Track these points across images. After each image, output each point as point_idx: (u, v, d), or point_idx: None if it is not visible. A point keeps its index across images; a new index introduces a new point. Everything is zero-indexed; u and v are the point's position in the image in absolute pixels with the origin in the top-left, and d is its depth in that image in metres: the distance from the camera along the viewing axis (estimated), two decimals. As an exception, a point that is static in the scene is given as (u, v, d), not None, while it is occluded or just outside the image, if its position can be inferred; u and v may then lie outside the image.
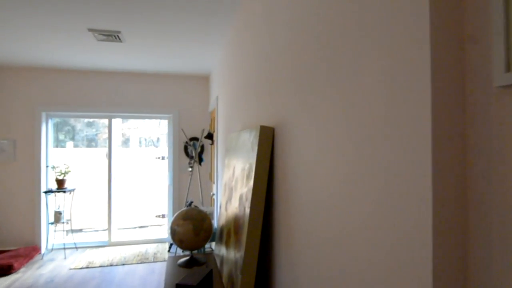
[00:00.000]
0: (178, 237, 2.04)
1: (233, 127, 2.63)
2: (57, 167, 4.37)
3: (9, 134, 4.35)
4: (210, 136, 3.68)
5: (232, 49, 2.75)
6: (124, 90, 4.68)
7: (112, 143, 4.80)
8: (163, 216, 7.12)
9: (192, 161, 3.32)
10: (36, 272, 3.76)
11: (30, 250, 4.17)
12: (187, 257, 2.17)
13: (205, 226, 2.07)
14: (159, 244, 4.78)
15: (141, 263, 4.03)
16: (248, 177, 1.56)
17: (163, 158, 6.54)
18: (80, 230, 6.19)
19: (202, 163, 3.99)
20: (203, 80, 4.94)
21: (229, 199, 1.98)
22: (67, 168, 4.39)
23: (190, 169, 3.34)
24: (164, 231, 5.50)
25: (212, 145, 4.27)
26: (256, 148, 1.49)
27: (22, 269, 3.84)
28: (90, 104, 4.58)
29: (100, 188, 7.30)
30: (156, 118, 4.90)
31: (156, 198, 8.67)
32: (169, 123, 4.92)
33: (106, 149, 6.97)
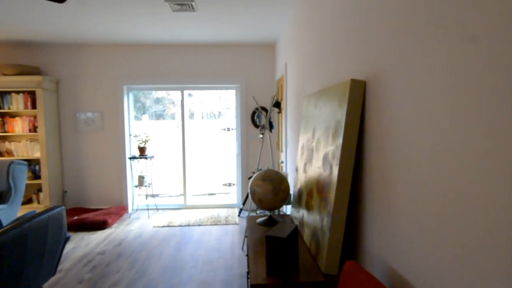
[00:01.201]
0: (257, 197, 2.10)
1: (308, 90, 2.56)
2: (139, 135, 4.77)
3: (97, 106, 4.85)
4: (277, 105, 3.67)
5: (305, 7, 2.63)
6: (194, 62, 4.85)
7: (185, 114, 5.07)
8: (230, 184, 7.46)
9: (263, 129, 3.35)
10: (126, 228, 4.26)
11: (119, 209, 4.71)
12: (266, 217, 2.24)
13: (283, 187, 2.10)
14: (229, 209, 5.03)
15: (214, 225, 4.31)
16: (335, 134, 1.51)
17: (228, 129, 6.76)
18: (157, 195, 6.80)
19: (273, 130, 4.02)
20: (269, 48, 4.87)
21: (308, 160, 1.96)
22: (147, 136, 4.77)
23: (261, 135, 3.38)
24: (232, 198, 5.77)
25: (280, 114, 4.26)
26: (345, 103, 1.42)
27: (114, 225, 4.38)
28: (164, 77, 4.84)
29: (172, 156, 7.81)
30: (224, 88, 5.02)
31: (223, 167, 9.06)
32: (236, 93, 5.01)
33: (175, 122, 7.40)
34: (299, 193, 2.11)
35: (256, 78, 4.89)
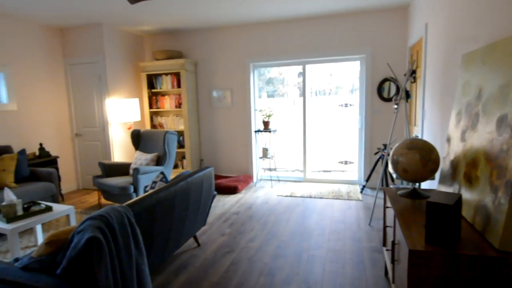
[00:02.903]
0: (401, 167, 1.98)
1: (464, 49, 2.22)
2: (264, 110, 5.06)
3: (228, 84, 5.32)
4: (411, 73, 3.31)
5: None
6: (315, 35, 4.78)
7: (297, 92, 5.10)
8: (346, 162, 7.26)
9: (398, 98, 3.10)
10: (253, 194, 4.65)
11: (246, 178, 5.16)
12: (409, 189, 2.10)
13: (433, 157, 1.91)
14: (350, 185, 4.93)
15: (336, 199, 4.30)
16: (520, 91, 1.27)
17: (346, 105, 6.51)
18: (274, 169, 7.15)
19: (409, 100, 3.68)
20: (400, 11, 4.40)
21: (470, 127, 1.73)
22: (271, 111, 5.02)
23: (395, 106, 3.13)
24: (352, 174, 5.62)
25: (414, 83, 3.85)
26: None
27: (243, 191, 4.83)
28: (286, 53, 4.94)
29: (286, 132, 8.04)
30: (347, 60, 4.82)
31: (339, 144, 8.88)
32: (361, 63, 4.75)
33: (283, 99, 7.51)
34: (453, 166, 1.89)
35: (384, 46, 4.51)
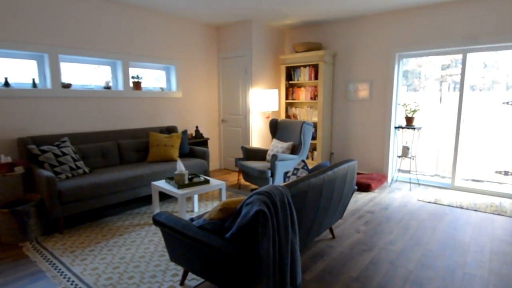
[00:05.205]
0: None
1: None
2: (408, 105, 4.60)
3: (367, 76, 5.05)
4: None
5: None
6: (481, 17, 4.01)
7: (465, 83, 4.38)
8: (507, 173, 5.96)
9: None
10: (388, 195, 4.32)
11: (380, 177, 4.83)
12: None
13: None
14: (516, 201, 4.03)
15: (497, 214, 3.58)
16: None
17: (513, 103, 5.29)
18: (408, 171, 6.44)
19: None
20: None
21: None
22: (417, 106, 4.52)
23: None
24: (518, 188, 4.58)
25: None
26: None
27: (376, 190, 4.54)
28: (441, 40, 4.33)
29: (429, 131, 7.16)
30: (529, 46, 3.89)
31: (497, 150, 7.38)
32: (550, 51, 3.76)
33: (426, 93, 6.57)
34: None
35: None
